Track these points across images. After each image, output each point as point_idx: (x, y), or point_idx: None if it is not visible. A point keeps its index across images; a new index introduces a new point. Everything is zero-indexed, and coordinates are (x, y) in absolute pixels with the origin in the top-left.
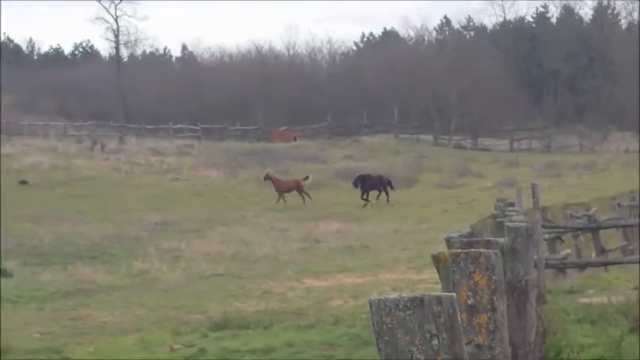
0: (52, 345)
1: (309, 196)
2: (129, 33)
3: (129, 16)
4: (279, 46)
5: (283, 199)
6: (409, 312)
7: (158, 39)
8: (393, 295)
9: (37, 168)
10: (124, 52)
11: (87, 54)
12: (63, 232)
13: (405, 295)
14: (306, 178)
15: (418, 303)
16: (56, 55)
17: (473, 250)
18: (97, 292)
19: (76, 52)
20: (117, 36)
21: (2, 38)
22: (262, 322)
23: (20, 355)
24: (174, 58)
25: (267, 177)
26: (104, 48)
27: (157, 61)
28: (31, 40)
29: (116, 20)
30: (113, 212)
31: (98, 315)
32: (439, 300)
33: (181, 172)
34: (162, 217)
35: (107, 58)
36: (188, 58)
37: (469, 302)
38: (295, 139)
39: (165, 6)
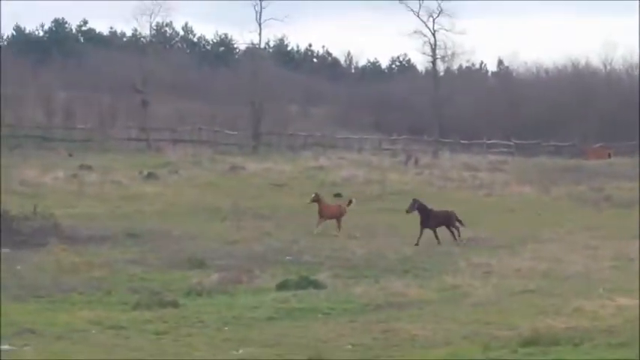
0: (364, 357)
1: (339, 227)
2: (446, 47)
3: (446, 31)
4: (595, 61)
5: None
6: None
7: (474, 53)
8: None
9: (351, 181)
10: (441, 67)
11: (403, 68)
12: (375, 245)
13: None
14: (350, 202)
15: None
16: (373, 68)
17: None
18: (409, 306)
19: (393, 65)
20: (434, 50)
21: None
22: (573, 340)
23: None
24: (489, 73)
25: (316, 198)
26: (420, 62)
27: (473, 75)
28: (349, 53)
29: (433, 34)
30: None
31: (409, 328)
32: None
33: (494, 187)
34: (474, 232)
35: (423, 72)
36: (504, 73)
37: None
38: (609, 156)
39: (482, 21)
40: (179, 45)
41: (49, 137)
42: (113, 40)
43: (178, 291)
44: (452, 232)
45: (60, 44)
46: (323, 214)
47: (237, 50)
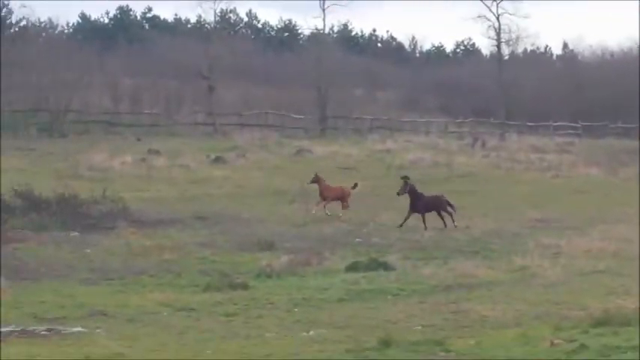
0: (434, 337)
1: (348, 207)
2: (510, 31)
3: (510, 14)
4: None
5: (324, 209)
6: None
7: (539, 37)
8: None
9: (418, 164)
10: (505, 50)
11: (468, 52)
12: (443, 227)
13: None
14: (355, 186)
15: None
16: (438, 52)
17: None
18: (478, 287)
19: (458, 49)
20: (498, 34)
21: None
22: None
23: (404, 347)
24: (554, 56)
25: (316, 179)
26: (485, 46)
27: (538, 59)
28: (413, 38)
29: (497, 18)
30: (493, 208)
31: (479, 309)
32: None
33: (561, 169)
34: (543, 213)
35: (488, 56)
36: (569, 56)
37: None
38: None
39: (546, 4)
40: (243, 31)
41: (116, 122)
42: (178, 26)
43: (248, 273)
44: (442, 218)
45: (125, 31)
46: (325, 195)
47: (302, 36)
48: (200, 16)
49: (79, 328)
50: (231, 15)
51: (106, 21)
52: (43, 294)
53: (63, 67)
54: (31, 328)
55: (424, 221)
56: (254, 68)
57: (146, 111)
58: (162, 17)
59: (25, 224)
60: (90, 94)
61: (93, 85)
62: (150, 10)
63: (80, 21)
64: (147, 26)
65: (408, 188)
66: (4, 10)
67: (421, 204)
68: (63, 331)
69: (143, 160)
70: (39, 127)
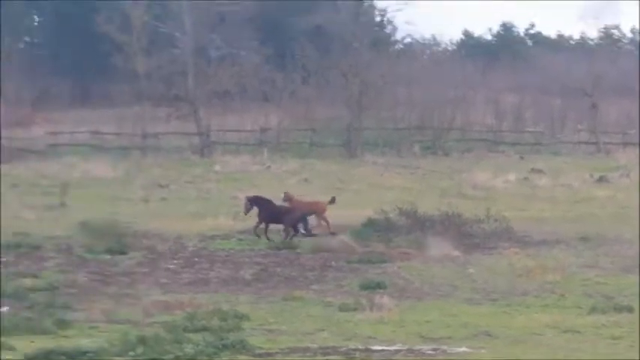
0: None
1: (328, 223)
2: None
3: None
4: None
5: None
6: None
7: None
8: None
9: None
10: None
11: None
12: None
13: None
14: (333, 200)
15: None
16: None
17: None
18: None
19: None
20: None
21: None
22: None
23: None
24: None
25: (287, 197)
26: None
27: None
28: None
29: None
30: None
31: None
32: None
33: None
34: None
35: None
36: None
37: None
38: None
39: None
40: (628, 47)
41: (498, 140)
42: (560, 43)
43: (633, 296)
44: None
45: (508, 47)
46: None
47: None
48: (583, 33)
49: (464, 349)
50: (614, 31)
51: (489, 37)
52: (428, 313)
53: (446, 84)
54: (417, 347)
55: None
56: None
57: (529, 129)
58: (544, 33)
59: (409, 243)
60: (473, 111)
61: (476, 103)
62: (533, 26)
63: (463, 38)
64: (530, 42)
65: None
66: (390, 27)
67: None
68: (448, 351)
69: (526, 179)
70: (422, 145)
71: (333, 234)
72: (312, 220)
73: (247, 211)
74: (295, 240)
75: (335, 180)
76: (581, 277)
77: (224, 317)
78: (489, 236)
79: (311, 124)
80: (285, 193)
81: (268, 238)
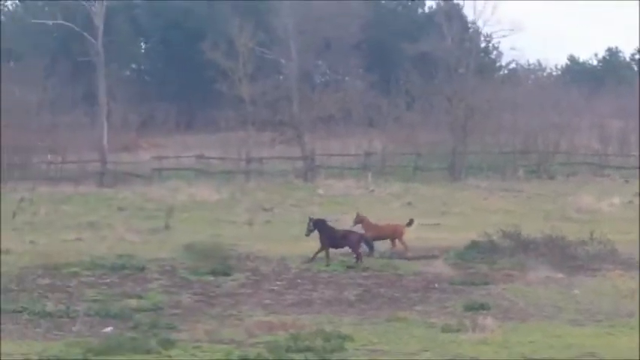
0: None
1: (406, 247)
2: None
3: None
4: None
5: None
6: None
7: None
8: None
9: None
10: None
11: None
12: None
13: None
14: (411, 222)
15: None
16: None
17: None
18: None
19: None
20: None
21: None
22: None
23: None
24: None
25: (359, 220)
26: None
27: None
28: None
29: None
30: None
31: None
32: None
33: None
34: None
35: None
36: None
37: None
38: None
39: None
40: None
41: (603, 164)
42: None
43: None
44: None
45: (613, 72)
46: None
47: None
48: None
49: None
50: None
51: (595, 63)
52: (532, 334)
53: (551, 109)
54: None
55: None
56: None
57: (633, 153)
58: None
59: (512, 265)
60: (578, 135)
61: (581, 127)
62: (638, 51)
63: (569, 63)
64: (635, 67)
65: None
66: (495, 52)
67: None
68: None
69: (630, 202)
70: (527, 169)
71: (408, 258)
72: (387, 243)
73: (309, 232)
74: (395, 261)
75: (439, 203)
76: None
77: (327, 338)
78: (593, 258)
79: (415, 148)
80: (357, 214)
81: (328, 264)
